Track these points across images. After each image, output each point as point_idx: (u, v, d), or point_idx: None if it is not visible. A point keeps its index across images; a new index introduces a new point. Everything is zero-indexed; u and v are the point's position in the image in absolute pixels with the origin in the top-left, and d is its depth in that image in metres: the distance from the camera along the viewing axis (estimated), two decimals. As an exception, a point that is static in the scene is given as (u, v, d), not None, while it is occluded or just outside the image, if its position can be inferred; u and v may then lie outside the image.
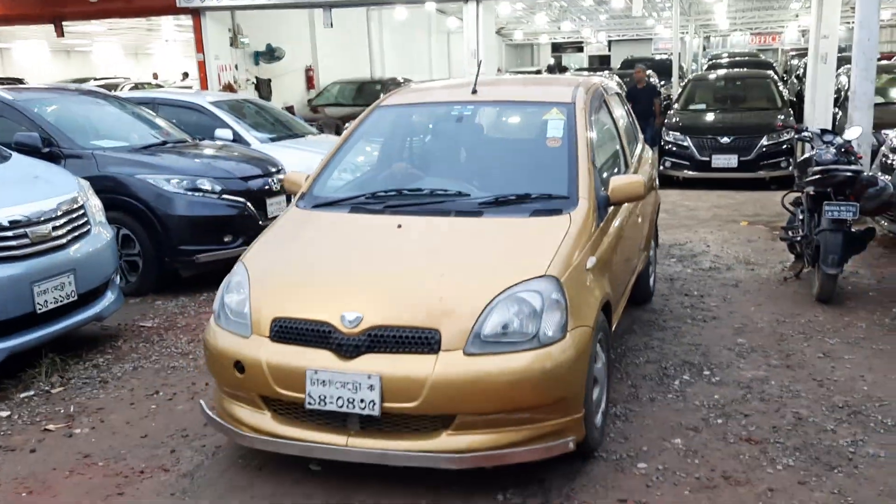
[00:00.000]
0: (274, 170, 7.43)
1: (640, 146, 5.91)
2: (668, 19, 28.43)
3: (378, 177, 4.66)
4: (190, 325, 5.72)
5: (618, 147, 5.08)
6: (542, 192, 3.90)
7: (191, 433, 3.96)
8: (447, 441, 3.13)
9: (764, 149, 11.01)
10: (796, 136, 7.08)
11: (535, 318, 3.17)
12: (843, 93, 12.08)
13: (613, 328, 4.13)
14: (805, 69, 21.28)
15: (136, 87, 22.10)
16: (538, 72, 25.45)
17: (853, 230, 5.80)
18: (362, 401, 3.09)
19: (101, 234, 5.29)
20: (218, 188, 6.66)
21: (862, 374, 4.46)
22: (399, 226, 3.76)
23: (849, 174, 5.65)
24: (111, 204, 6.39)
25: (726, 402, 4.14)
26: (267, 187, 7.07)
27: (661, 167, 11.73)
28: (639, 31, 37.05)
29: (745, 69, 17.49)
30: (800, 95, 19.23)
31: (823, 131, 6.71)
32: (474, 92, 4.60)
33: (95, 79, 24.38)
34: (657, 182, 6.54)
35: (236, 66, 15.28)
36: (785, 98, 12.45)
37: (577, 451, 3.34)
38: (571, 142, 4.12)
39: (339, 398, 3.12)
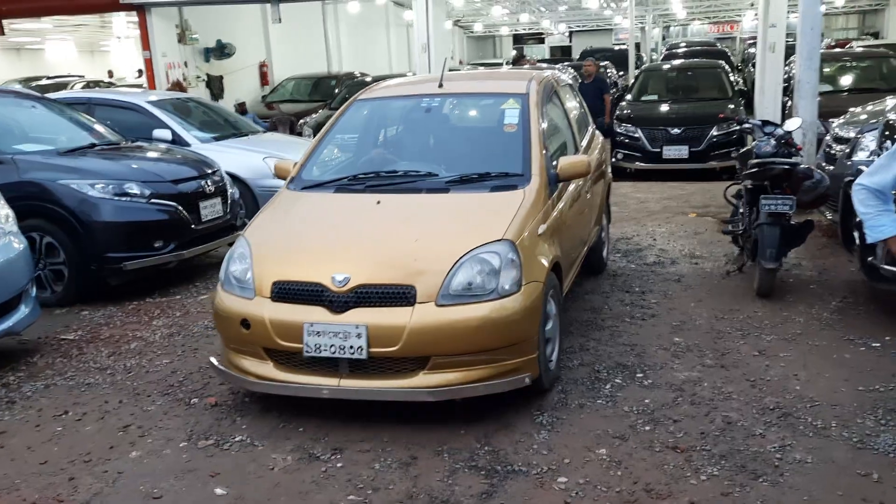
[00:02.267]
0: (209, 171, 7.19)
1: (590, 132, 6.47)
2: (627, 10, 28.44)
3: (358, 162, 5.25)
4: (113, 337, 5.49)
5: (568, 132, 5.68)
6: (500, 171, 4.56)
7: (94, 457, 3.75)
8: (424, 379, 3.73)
9: (714, 139, 10.97)
10: (738, 127, 6.99)
11: (494, 275, 3.79)
12: (792, 82, 12.10)
13: (565, 289, 4.75)
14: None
15: (88, 85, 21.61)
16: (501, 64, 25.27)
17: (792, 223, 5.73)
18: (352, 347, 3.69)
19: (12, 244, 5.04)
20: (147, 192, 6.41)
21: (796, 373, 4.37)
22: (378, 202, 4.41)
23: (785, 167, 5.57)
24: (34, 211, 6.15)
25: (656, 406, 4.03)
26: (200, 190, 6.83)
27: (613, 159, 11.63)
28: (599, 21, 37.07)
29: (698, 59, 17.45)
30: (755, 85, 19.36)
31: (765, 122, 6.63)
32: (441, 86, 5.30)
33: (48, 77, 23.82)
34: (608, 166, 7.06)
35: (185, 64, 14.93)
36: (736, 88, 12.43)
37: (532, 387, 3.95)
38: (525, 127, 4.76)
39: (331, 346, 3.71)
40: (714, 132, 10.91)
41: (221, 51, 15.74)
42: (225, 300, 4.09)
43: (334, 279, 3.79)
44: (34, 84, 21.63)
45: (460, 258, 3.80)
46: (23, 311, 5.02)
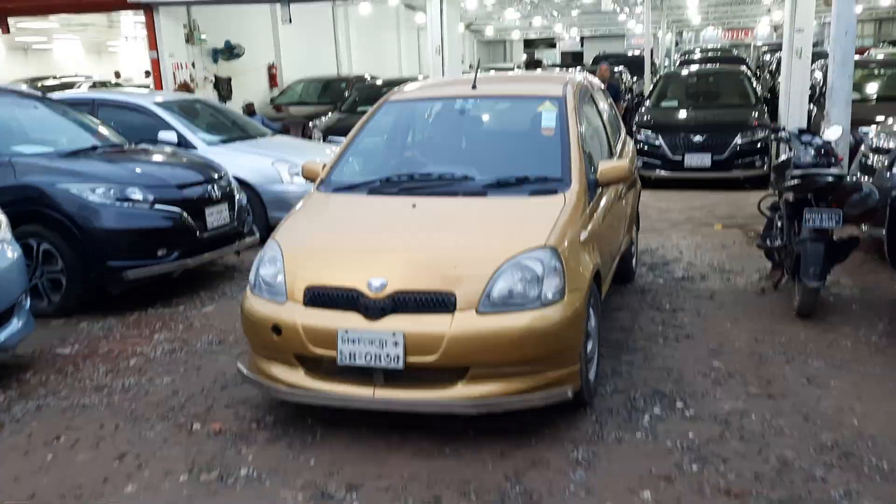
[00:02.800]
0: (216, 175, 6.88)
1: (622, 136, 6.30)
2: (641, 15, 28.09)
3: (389, 164, 5.07)
4: (112, 352, 5.16)
5: (603, 136, 5.51)
6: (539, 175, 4.38)
7: (86, 491, 3.41)
8: (462, 390, 3.55)
9: (738, 147, 10.58)
10: (773, 137, 6.63)
11: (537, 283, 3.62)
12: (817, 88, 11.73)
13: (602, 297, 4.54)
14: (778, 64, 21.11)
15: (95, 86, 21.35)
16: (512, 68, 24.93)
17: (835, 239, 5.38)
18: (388, 356, 3.50)
19: (4, 253, 4.71)
20: (150, 197, 6.09)
21: (851, 405, 4.01)
22: (414, 205, 4.21)
23: (831, 179, 5.22)
24: (31, 216, 5.84)
25: (702, 441, 3.67)
26: (206, 195, 6.50)
27: (633, 167, 11.31)
28: (611, 26, 36.70)
29: (718, 65, 17.07)
30: (773, 91, 18.93)
31: (801, 131, 6.28)
32: (474, 87, 5.12)
33: (55, 77, 23.58)
34: (637, 171, 6.90)
35: (193, 64, 14.63)
36: (759, 94, 12.05)
37: (574, 401, 3.77)
38: (563, 130, 4.59)
39: (367, 354, 3.53)
40: (738, 140, 10.52)
41: (230, 52, 15.43)
42: (255, 305, 3.90)
43: (370, 284, 3.61)
44: (40, 84, 21.48)
45: (501, 265, 3.63)
46: (15, 324, 4.70)
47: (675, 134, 10.93)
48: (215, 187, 6.64)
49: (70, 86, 19.93)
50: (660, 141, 10.91)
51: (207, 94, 15.09)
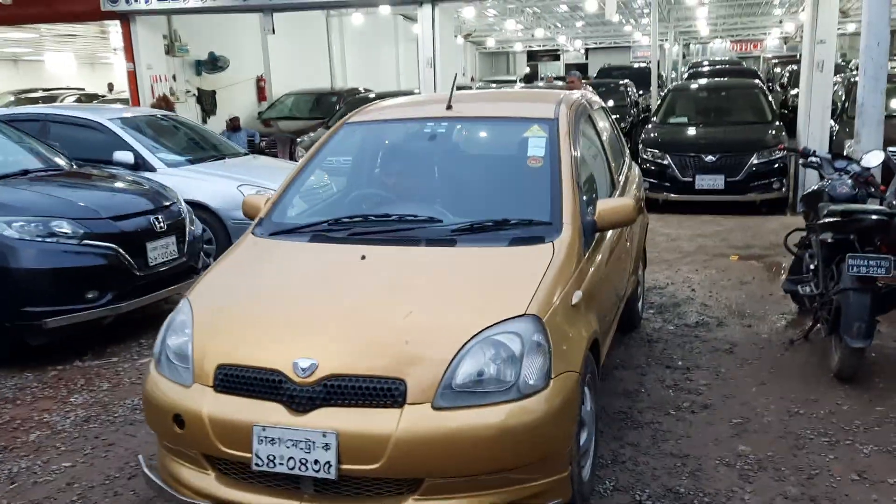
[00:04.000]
0: (165, 203, 6.06)
1: (626, 163, 5.43)
2: (647, 26, 27.27)
3: (344, 200, 4.32)
4: (14, 421, 4.31)
5: (604, 166, 4.61)
6: (523, 218, 3.51)
7: None
8: None
9: (754, 168, 9.68)
10: (801, 162, 5.75)
11: (514, 365, 2.79)
12: (838, 104, 10.87)
13: (601, 364, 3.70)
14: (790, 77, 20.26)
15: (80, 99, 20.62)
16: (514, 82, 24.11)
17: (882, 286, 4.50)
18: (316, 462, 2.70)
19: None
20: (80, 231, 5.26)
21: (920, 517, 3.14)
22: (363, 257, 3.36)
23: (880, 218, 4.33)
24: (-63, 254, 5.02)
25: (730, 575, 2.80)
26: (148, 227, 5.66)
27: (639, 189, 10.44)
28: (616, 38, 35.87)
29: (730, 78, 16.19)
30: (784, 105, 18.08)
31: (835, 156, 5.44)
32: (449, 107, 4.19)
33: (43, 90, 22.89)
34: (644, 200, 5.86)
35: (174, 77, 13.83)
36: (775, 110, 11.17)
37: None
38: (554, 161, 3.74)
39: (290, 458, 2.73)
40: (754, 160, 9.63)
41: (214, 64, 14.62)
42: (157, 386, 3.07)
43: (296, 366, 2.79)
44: (26, 96, 20.75)
45: (468, 341, 2.78)
46: None
47: (684, 153, 10.04)
48: (160, 218, 5.80)
49: (53, 98, 19.22)
50: (668, 161, 10.04)
51: (189, 108, 14.31)
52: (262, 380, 2.83)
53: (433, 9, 11.17)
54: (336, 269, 3.38)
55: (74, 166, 6.48)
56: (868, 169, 5.19)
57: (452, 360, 2.74)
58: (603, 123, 5.13)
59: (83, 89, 24.58)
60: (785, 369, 4.75)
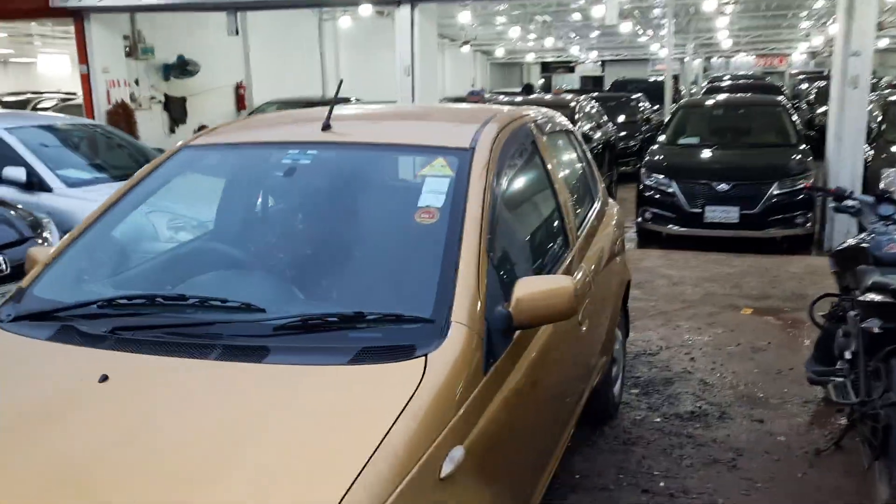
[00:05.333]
0: (29, 235, 4.85)
1: (596, 206, 4.10)
2: (664, 38, 25.92)
3: (143, 265, 2.99)
4: None
5: (553, 217, 3.28)
6: (386, 311, 2.20)
7: None
8: None
9: (774, 199, 8.26)
10: (833, 206, 4.36)
11: None
12: (873, 126, 9.45)
13: None
14: (817, 95, 18.81)
15: (59, 102, 19.51)
16: (516, 93, 22.80)
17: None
18: None
19: None
20: None
21: None
22: (104, 377, 2.03)
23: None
24: None
25: None
26: (-12, 270, 4.43)
27: (640, 219, 9.06)
28: (634, 50, 34.48)
29: (750, 94, 14.76)
30: (810, 124, 16.65)
31: (878, 198, 4.05)
32: (326, 128, 2.93)
33: (33, 93, 21.91)
34: (625, 249, 4.57)
35: (136, 82, 12.66)
36: (801, 132, 9.75)
37: None
38: (455, 216, 2.44)
39: None
40: (775, 190, 8.22)
41: (183, 68, 13.42)
42: None
43: None
44: (9, 100, 19.70)
45: None
46: None
47: (693, 180, 8.63)
48: (4, 259, 4.55)
49: (25, 104, 18.11)
50: (674, 188, 8.64)
51: (155, 116, 13.14)
52: None
53: (412, 10, 9.94)
54: (59, 400, 2.03)
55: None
56: (925, 219, 3.82)
57: None
58: (569, 153, 3.82)
59: (75, 94, 23.62)
60: (808, 497, 3.38)
